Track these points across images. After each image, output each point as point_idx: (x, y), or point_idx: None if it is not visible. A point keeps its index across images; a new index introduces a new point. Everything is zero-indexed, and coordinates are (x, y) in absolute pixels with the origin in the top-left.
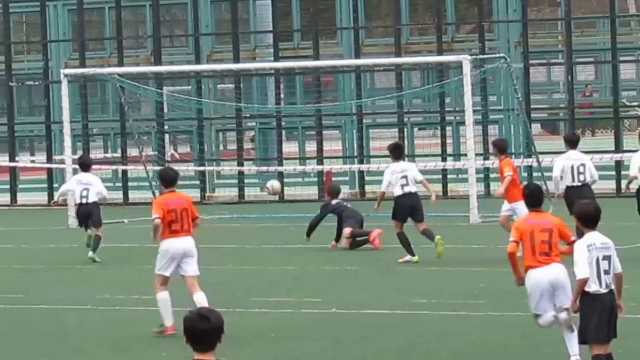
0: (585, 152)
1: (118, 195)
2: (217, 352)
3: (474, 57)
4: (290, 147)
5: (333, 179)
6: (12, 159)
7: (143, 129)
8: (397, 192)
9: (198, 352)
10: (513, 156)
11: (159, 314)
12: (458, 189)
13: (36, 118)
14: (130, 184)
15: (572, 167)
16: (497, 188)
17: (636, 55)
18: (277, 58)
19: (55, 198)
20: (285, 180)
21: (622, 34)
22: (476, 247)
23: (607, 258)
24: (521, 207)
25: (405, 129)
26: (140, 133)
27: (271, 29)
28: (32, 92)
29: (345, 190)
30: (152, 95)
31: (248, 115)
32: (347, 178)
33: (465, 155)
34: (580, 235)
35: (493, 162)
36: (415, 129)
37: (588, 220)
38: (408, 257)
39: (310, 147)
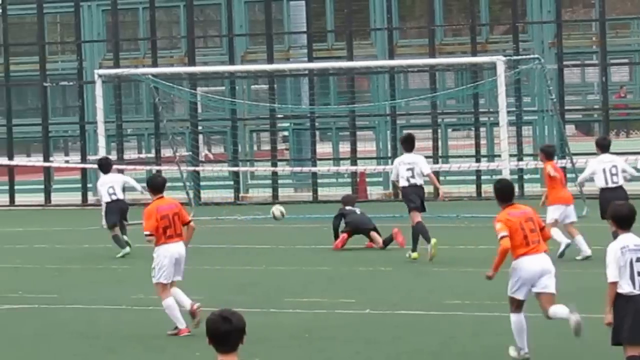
0: (620, 154)
1: None
2: (240, 353)
3: (508, 58)
4: (324, 148)
5: (367, 179)
6: (46, 159)
7: (177, 129)
8: (403, 183)
9: (221, 353)
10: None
11: (186, 316)
12: (491, 190)
13: (70, 118)
14: None
15: (605, 170)
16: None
17: None
18: (310, 59)
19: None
20: (319, 180)
21: None
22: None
23: None
24: (552, 210)
25: (439, 130)
26: (174, 133)
27: (305, 29)
28: (67, 93)
29: (379, 191)
30: (186, 96)
31: (282, 115)
32: (380, 179)
33: (499, 156)
34: (615, 237)
35: (527, 163)
36: (449, 130)
37: (622, 221)
38: (415, 254)
39: (344, 147)
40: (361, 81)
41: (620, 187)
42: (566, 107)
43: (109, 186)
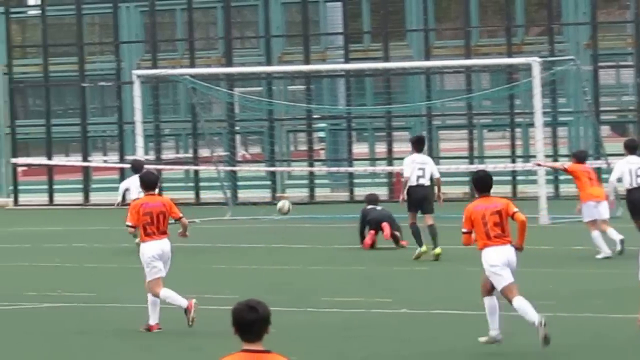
0: None
1: (190, 196)
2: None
3: (543, 59)
4: (360, 148)
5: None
6: (85, 159)
7: (214, 129)
8: (412, 182)
9: (246, 341)
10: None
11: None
12: (527, 191)
13: (108, 118)
14: (201, 184)
15: (631, 171)
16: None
17: None
18: (347, 60)
19: (119, 199)
20: (355, 180)
21: None
22: (545, 248)
23: None
24: (585, 209)
25: (474, 131)
26: (211, 134)
27: (341, 30)
28: (105, 93)
29: None
30: (224, 96)
31: (318, 116)
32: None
33: (535, 156)
34: None
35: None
36: (485, 131)
37: None
38: (418, 250)
39: (380, 148)
40: (397, 82)
41: None
42: (601, 108)
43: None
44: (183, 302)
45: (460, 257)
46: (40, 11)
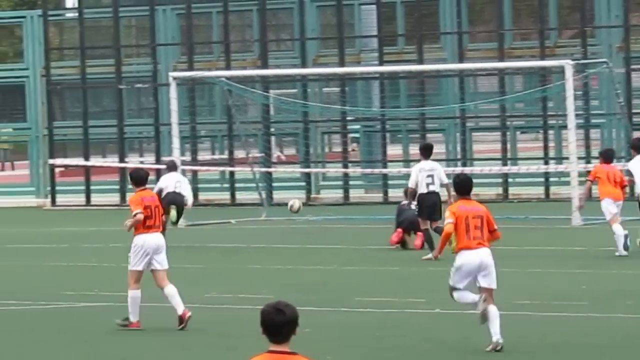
0: None
1: (225, 196)
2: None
3: (576, 62)
4: (394, 150)
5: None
6: (121, 160)
7: (250, 131)
8: (422, 189)
9: (273, 343)
10: (615, 160)
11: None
12: (560, 192)
13: (145, 120)
14: (237, 185)
15: None
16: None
17: None
18: (381, 62)
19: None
20: (390, 182)
21: None
22: (578, 249)
23: None
24: (604, 204)
25: (507, 133)
26: (246, 135)
27: (376, 33)
28: (141, 95)
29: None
30: (259, 98)
31: (353, 118)
32: (449, 180)
33: (568, 158)
34: None
35: (595, 165)
36: (518, 133)
37: None
38: (430, 255)
39: (414, 149)
40: (431, 84)
41: None
42: (634, 111)
43: (176, 180)
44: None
45: (496, 257)
46: (77, 14)
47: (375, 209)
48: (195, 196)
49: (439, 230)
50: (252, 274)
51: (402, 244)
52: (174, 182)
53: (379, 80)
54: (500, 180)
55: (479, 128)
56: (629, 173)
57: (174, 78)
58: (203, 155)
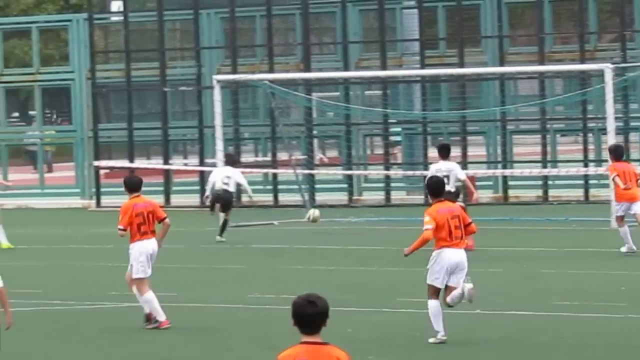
0: None
1: (268, 198)
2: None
3: (615, 65)
4: (435, 152)
5: (477, 183)
6: (166, 162)
7: (292, 133)
8: None
9: (305, 334)
10: None
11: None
12: (599, 194)
13: (189, 122)
14: (280, 187)
15: None
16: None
17: None
18: (423, 65)
19: (207, 192)
20: None
21: None
22: (617, 250)
23: None
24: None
25: (547, 135)
26: (289, 137)
27: (417, 37)
28: (186, 97)
29: (489, 195)
30: (302, 101)
31: (394, 120)
32: (490, 183)
33: (607, 161)
34: None
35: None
36: (558, 136)
37: None
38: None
39: (455, 152)
40: (472, 87)
41: None
42: None
43: (225, 175)
44: (160, 316)
45: (535, 258)
46: (122, 17)
47: (417, 210)
48: (239, 197)
49: None
50: (294, 274)
51: None
52: (221, 178)
53: (421, 83)
54: (540, 182)
55: (519, 131)
56: None
57: (218, 81)
58: (246, 158)
